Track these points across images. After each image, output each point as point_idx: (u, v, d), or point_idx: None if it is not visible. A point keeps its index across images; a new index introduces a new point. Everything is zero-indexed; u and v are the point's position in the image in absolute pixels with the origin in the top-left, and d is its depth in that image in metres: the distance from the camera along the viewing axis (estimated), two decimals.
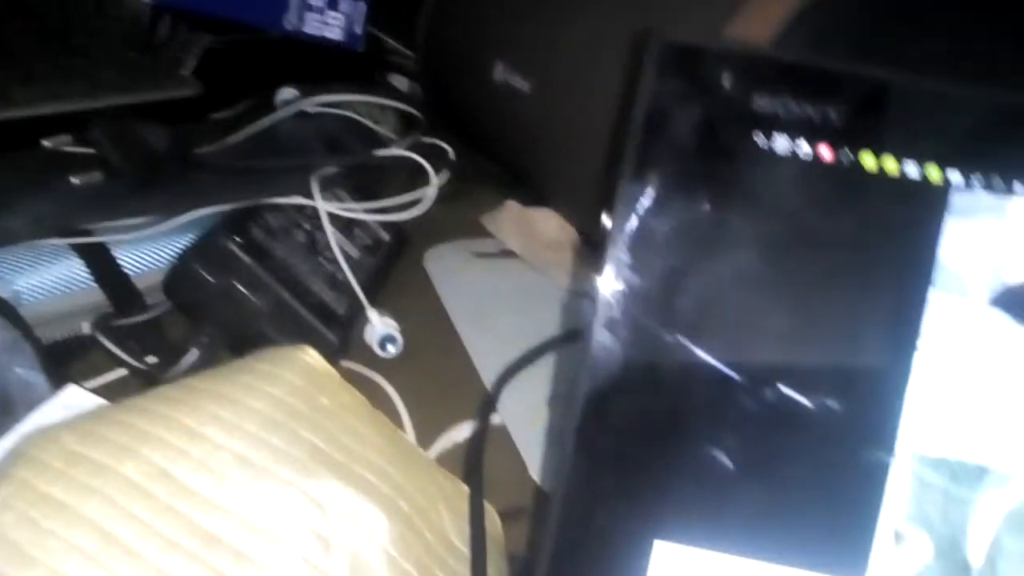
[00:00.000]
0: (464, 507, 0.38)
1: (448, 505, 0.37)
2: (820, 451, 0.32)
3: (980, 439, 0.32)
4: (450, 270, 0.57)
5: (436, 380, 0.50)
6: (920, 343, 0.32)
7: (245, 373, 0.37)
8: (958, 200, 0.32)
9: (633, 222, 0.33)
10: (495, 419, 0.47)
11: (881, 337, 0.33)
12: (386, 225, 0.55)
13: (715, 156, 0.33)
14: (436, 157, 0.58)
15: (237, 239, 0.45)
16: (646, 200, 0.33)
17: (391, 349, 0.50)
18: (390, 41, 0.77)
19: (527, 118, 0.56)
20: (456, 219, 0.62)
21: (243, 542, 0.33)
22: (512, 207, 0.62)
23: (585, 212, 0.56)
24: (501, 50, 0.60)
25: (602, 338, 0.33)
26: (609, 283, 0.33)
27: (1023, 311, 0.32)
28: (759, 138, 0.32)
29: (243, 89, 0.62)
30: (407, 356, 0.51)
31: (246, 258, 0.44)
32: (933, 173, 0.32)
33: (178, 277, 0.45)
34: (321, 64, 0.67)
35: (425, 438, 0.47)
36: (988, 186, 0.32)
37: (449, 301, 0.55)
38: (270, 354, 0.39)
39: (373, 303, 0.51)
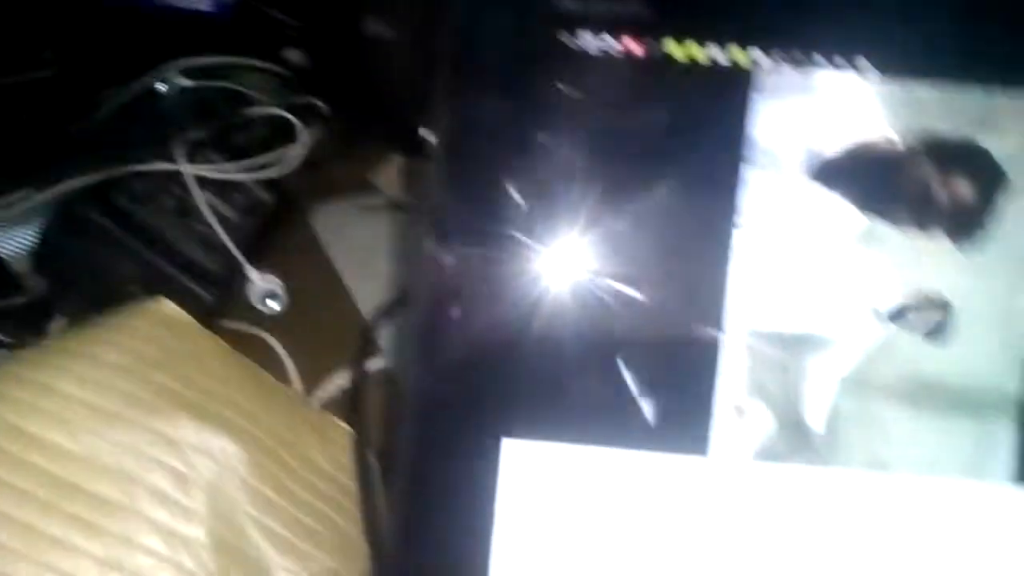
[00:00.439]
0: (338, 438, 0.39)
1: (318, 435, 0.38)
2: (653, 335, 0.34)
3: (808, 309, 0.34)
4: (338, 225, 0.58)
5: (324, 333, 0.51)
6: (740, 220, 0.34)
7: (100, 328, 0.38)
8: (765, 79, 0.34)
9: (453, 134, 0.34)
10: (382, 362, 0.48)
11: (702, 219, 0.34)
12: (267, 187, 0.56)
13: (527, 61, 0.34)
14: (311, 115, 0.58)
15: (96, 206, 0.45)
16: (463, 112, 0.34)
17: (273, 305, 0.51)
18: (277, 13, 0.78)
19: (397, 67, 0.57)
20: (344, 178, 0.62)
21: (100, 487, 0.34)
22: (398, 161, 0.62)
23: None
24: (369, 2, 0.60)
25: (437, 245, 0.34)
26: (439, 193, 0.35)
27: (835, 180, 0.34)
28: (566, 38, 0.34)
29: (119, 67, 0.62)
30: (295, 312, 0.52)
31: (108, 224, 0.45)
32: (737, 55, 0.33)
33: (42, 251, 0.45)
34: (202, 38, 0.67)
35: (313, 387, 0.48)
36: (791, 62, 0.33)
37: (337, 255, 0.56)
38: (127, 308, 0.39)
39: (257, 262, 0.52)
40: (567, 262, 0.34)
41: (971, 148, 0.33)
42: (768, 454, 0.34)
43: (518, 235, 0.34)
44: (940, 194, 0.33)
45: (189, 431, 0.34)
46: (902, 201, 0.34)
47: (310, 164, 0.58)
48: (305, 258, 0.55)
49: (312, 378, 0.49)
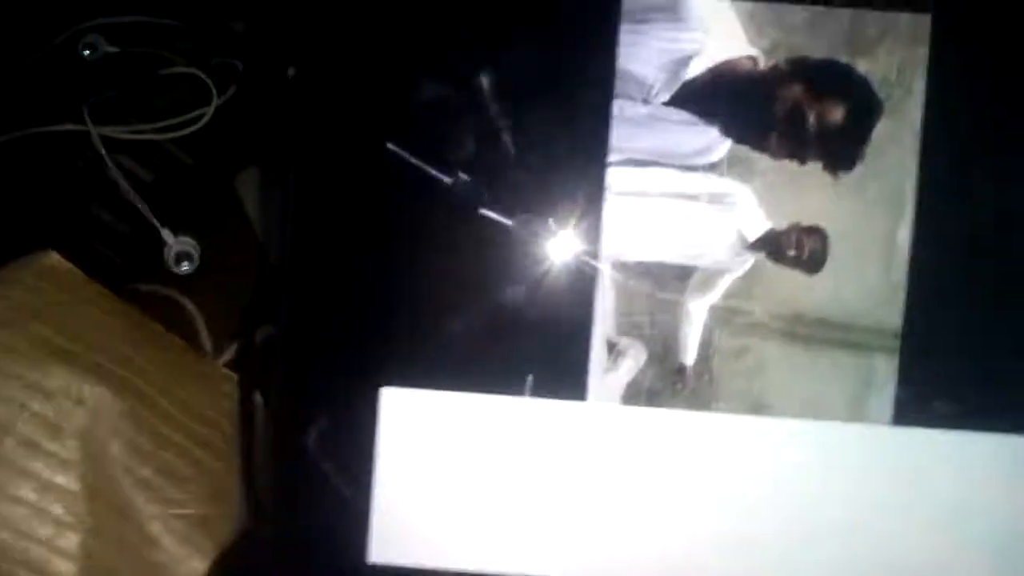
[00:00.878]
0: (225, 387, 0.40)
1: (203, 383, 0.39)
2: (529, 279, 0.34)
3: (679, 240, 0.34)
4: (260, 190, 0.58)
5: (242, 295, 0.52)
6: (611, 156, 0.34)
7: None
8: (630, 5, 0.34)
9: (314, 74, 0.35)
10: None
11: (575, 154, 0.34)
12: (188, 149, 0.56)
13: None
14: (232, 77, 0.59)
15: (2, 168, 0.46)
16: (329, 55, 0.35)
17: (186, 266, 0.51)
18: None
19: None
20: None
21: None
22: None
23: None
24: None
25: (303, 189, 0.35)
26: (302, 133, 0.35)
27: (705, 108, 0.34)
28: None
29: (43, 22, 0.62)
30: (212, 273, 0.53)
31: (14, 186, 0.46)
32: None
33: None
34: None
35: (227, 346, 0.48)
36: None
37: (258, 219, 0.57)
38: (14, 263, 0.40)
39: (176, 224, 0.53)
40: (439, 207, 0.34)
41: (842, 71, 0.34)
42: (647, 397, 0.34)
43: (389, 176, 0.34)
44: (811, 118, 0.34)
45: (64, 380, 0.35)
46: (774, 127, 0.34)
47: (233, 126, 0.58)
48: (225, 219, 0.56)
49: (221, 337, 0.49)
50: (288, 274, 0.35)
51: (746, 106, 0.34)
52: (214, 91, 0.56)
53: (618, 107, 0.34)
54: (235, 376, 0.41)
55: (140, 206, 0.50)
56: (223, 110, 0.58)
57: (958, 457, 0.33)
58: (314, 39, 0.36)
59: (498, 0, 0.34)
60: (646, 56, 0.34)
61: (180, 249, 0.51)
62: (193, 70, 0.57)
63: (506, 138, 0.34)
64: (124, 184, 0.50)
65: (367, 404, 0.35)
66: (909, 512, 0.34)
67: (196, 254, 0.52)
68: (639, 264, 0.34)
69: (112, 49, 0.62)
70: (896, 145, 0.34)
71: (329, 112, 0.35)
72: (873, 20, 0.34)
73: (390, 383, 0.35)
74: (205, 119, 0.55)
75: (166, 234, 0.51)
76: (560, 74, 0.34)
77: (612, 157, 0.34)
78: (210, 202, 0.57)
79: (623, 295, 0.34)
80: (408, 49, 0.34)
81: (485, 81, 0.34)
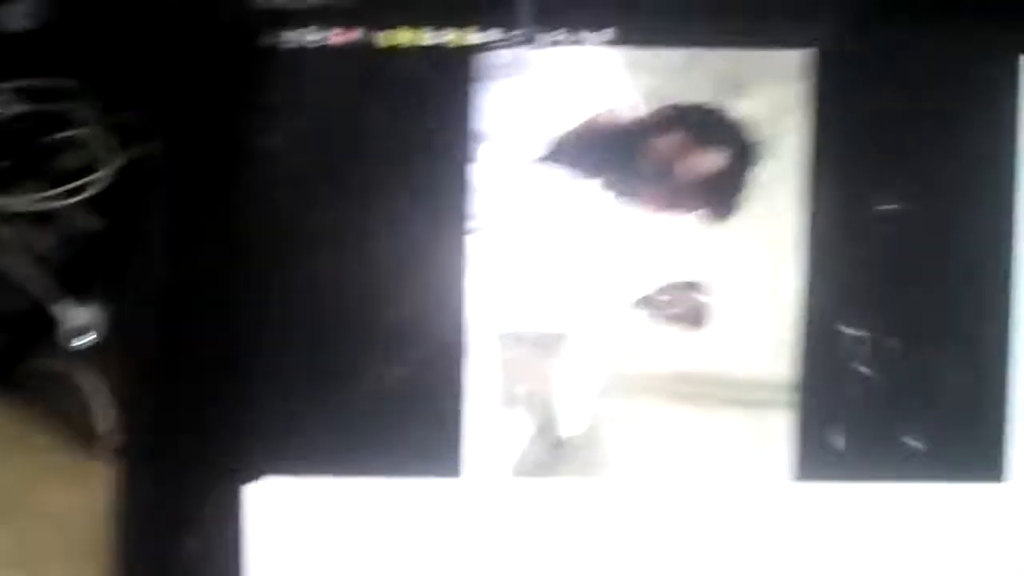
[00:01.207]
0: (98, 485, 0.39)
1: (74, 483, 0.38)
2: (392, 355, 0.33)
3: (557, 306, 0.33)
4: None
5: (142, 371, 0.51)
6: (475, 218, 0.32)
7: None
8: (484, 62, 0.32)
9: (173, 148, 0.34)
10: None
11: (432, 225, 0.33)
12: (92, 213, 0.55)
13: (233, 68, 0.33)
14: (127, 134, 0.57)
15: None
16: (181, 134, 0.34)
17: (84, 339, 0.50)
18: None
19: None
20: None
21: None
22: None
23: None
24: None
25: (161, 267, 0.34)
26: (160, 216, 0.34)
27: (578, 163, 0.33)
28: (271, 38, 0.32)
29: None
30: (114, 347, 0.51)
31: None
32: (453, 37, 0.32)
33: None
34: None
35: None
36: (509, 42, 0.32)
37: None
38: None
39: (77, 295, 0.51)
40: (292, 286, 0.33)
41: (714, 115, 0.32)
42: (527, 468, 0.33)
43: (238, 255, 0.33)
44: (686, 167, 0.32)
45: None
46: (649, 178, 0.32)
47: (140, 186, 0.57)
48: (130, 288, 0.54)
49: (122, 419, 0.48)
50: (148, 365, 0.34)
51: (619, 158, 0.32)
52: (114, 151, 0.55)
53: (480, 168, 0.32)
54: (111, 473, 0.39)
55: (37, 278, 0.49)
56: (129, 170, 0.57)
57: (863, 509, 0.32)
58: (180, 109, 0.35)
59: (339, 61, 0.33)
60: (513, 113, 0.32)
61: (79, 322, 0.50)
62: (87, 131, 0.56)
63: (360, 211, 0.33)
64: (19, 255, 0.49)
65: (232, 495, 0.34)
66: (816, 568, 0.32)
67: (97, 327, 0.50)
68: (512, 333, 0.33)
69: (9, 112, 0.61)
70: (779, 187, 0.32)
71: (199, 185, 0.35)
72: (752, 59, 0.32)
73: (257, 473, 0.34)
74: (105, 181, 0.54)
75: (64, 306, 0.50)
76: (412, 142, 0.33)
77: (474, 224, 0.32)
78: (114, 269, 0.56)
79: (499, 366, 0.33)
80: (262, 120, 0.33)
81: (332, 152, 0.33)
